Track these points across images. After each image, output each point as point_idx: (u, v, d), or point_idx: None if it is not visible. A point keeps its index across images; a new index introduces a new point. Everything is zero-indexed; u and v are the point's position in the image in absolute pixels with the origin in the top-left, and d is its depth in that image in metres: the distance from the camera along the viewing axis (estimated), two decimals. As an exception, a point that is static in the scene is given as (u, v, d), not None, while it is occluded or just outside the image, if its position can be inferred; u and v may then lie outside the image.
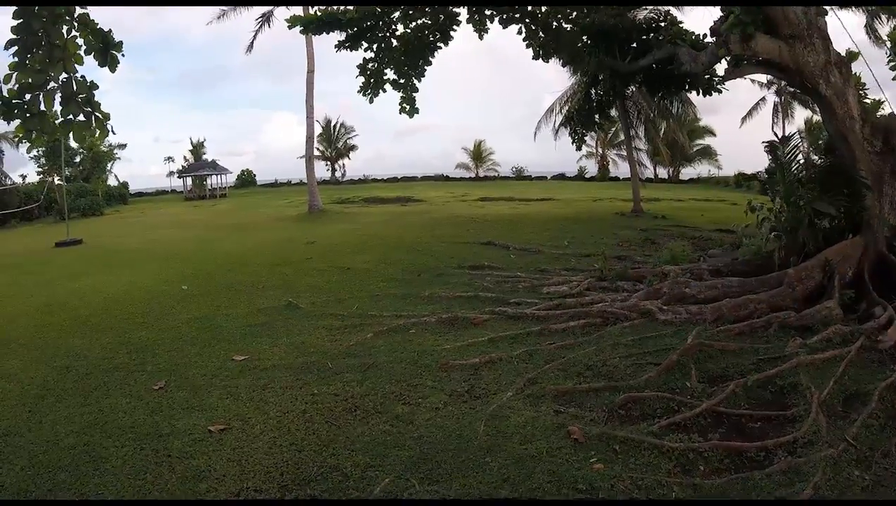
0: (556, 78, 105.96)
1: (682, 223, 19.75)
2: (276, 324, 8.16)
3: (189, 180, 51.07)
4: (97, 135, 5.44)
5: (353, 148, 60.52)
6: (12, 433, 5.06)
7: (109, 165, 48.39)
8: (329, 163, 58.70)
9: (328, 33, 14.67)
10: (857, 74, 8.36)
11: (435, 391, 5.53)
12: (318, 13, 13.74)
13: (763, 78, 21.52)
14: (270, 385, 5.89)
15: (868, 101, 8.50)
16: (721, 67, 11.59)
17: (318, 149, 51.28)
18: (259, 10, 29.68)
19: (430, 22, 13.51)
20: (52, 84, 5.14)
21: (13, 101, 5.09)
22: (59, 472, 4.36)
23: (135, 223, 27.91)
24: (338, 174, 59.15)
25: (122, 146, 49.59)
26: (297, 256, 14.28)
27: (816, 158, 9.22)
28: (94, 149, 44.97)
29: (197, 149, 56.77)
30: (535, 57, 15.21)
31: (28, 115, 5.17)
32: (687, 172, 53.46)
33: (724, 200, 29.68)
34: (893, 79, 11.75)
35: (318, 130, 30.14)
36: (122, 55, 5.36)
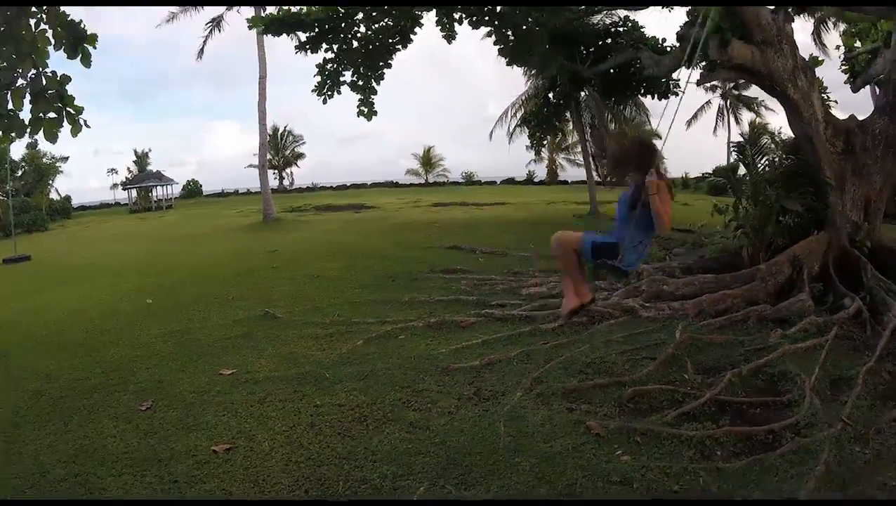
0: (499, 85, 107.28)
1: (639, 224, 20.18)
2: (256, 335, 7.99)
3: (134, 193, 50.06)
4: (70, 130, 5.17)
5: (300, 156, 60.35)
6: None
7: (52, 178, 47.23)
8: (277, 171, 58.27)
9: (290, 35, 14.62)
10: (820, 79, 8.81)
11: (442, 396, 5.54)
12: (280, 14, 13.66)
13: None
14: (268, 399, 5.73)
15: (829, 102, 8.96)
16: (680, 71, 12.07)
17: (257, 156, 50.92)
18: (209, 14, 29.41)
19: (392, 24, 13.57)
20: (20, 81, 4.96)
21: None
22: None
23: (82, 238, 27.29)
24: (286, 182, 58.76)
25: (65, 159, 48.51)
26: (261, 265, 14.09)
27: (777, 158, 9.61)
28: (36, 161, 43.82)
29: (141, 160, 55.73)
30: (509, 63, 15.48)
31: None
32: (634, 175, 54.66)
33: (675, 201, 30.43)
34: (845, 82, 12.33)
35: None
36: (94, 48, 5.14)
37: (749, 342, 6.53)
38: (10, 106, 4.97)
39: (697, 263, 9.94)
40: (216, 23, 29.70)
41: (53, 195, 46.46)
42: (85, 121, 5.20)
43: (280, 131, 57.26)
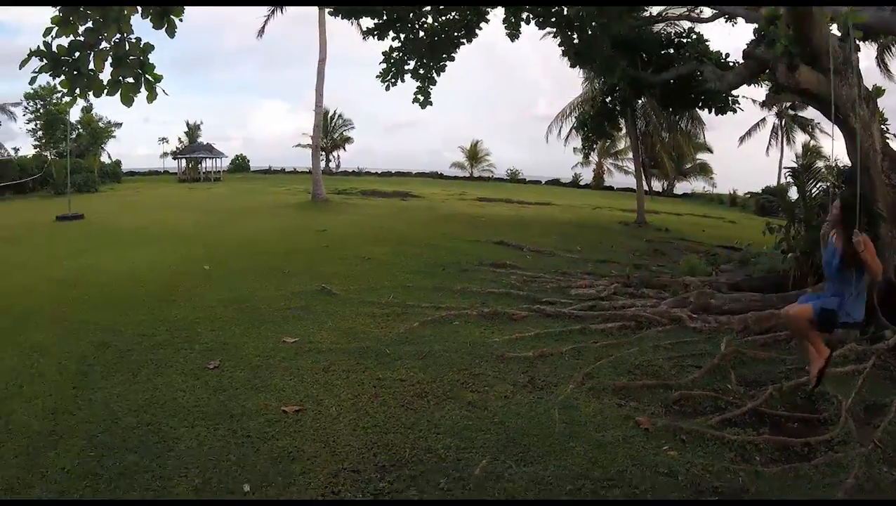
0: (551, 83, 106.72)
1: (685, 237, 20.46)
2: (315, 308, 8.33)
3: (183, 162, 51.07)
4: (146, 97, 5.20)
5: (348, 140, 60.94)
6: (61, 411, 4.92)
7: (105, 142, 48.44)
8: (324, 153, 59.01)
9: (358, 18, 14.88)
10: (881, 111, 8.96)
11: (498, 381, 5.85)
12: None
13: (762, 97, 22.23)
14: (332, 368, 6.01)
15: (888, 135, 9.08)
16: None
17: (311, 136, 51.59)
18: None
19: (458, 17, 13.86)
20: (104, 45, 5.03)
21: (62, 57, 4.96)
22: (127, 453, 4.24)
23: (133, 202, 27.86)
24: (332, 165, 59.40)
25: (119, 125, 49.71)
26: (312, 243, 14.51)
27: (830, 185, 9.77)
28: (92, 124, 44.92)
29: (193, 131, 56.86)
30: (572, 65, 15.70)
31: (76, 72, 5.05)
32: (681, 187, 54.39)
33: (722, 217, 30.47)
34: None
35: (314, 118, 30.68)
36: (181, 20, 5.19)
37: (790, 361, 6.78)
38: (92, 66, 5.06)
39: (745, 281, 10.18)
40: (279, 3, 30.25)
41: (104, 158, 47.53)
42: (163, 89, 5.28)
43: (330, 114, 57.84)
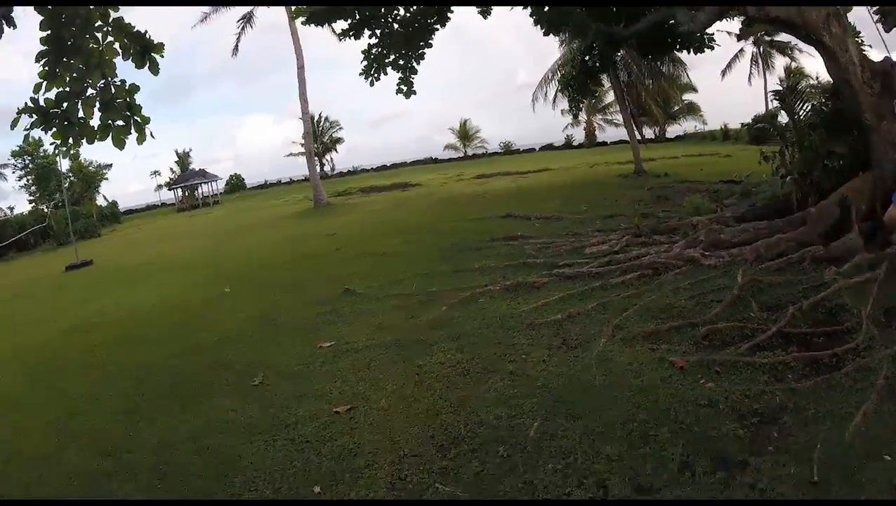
0: (527, 51, 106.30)
1: (685, 179, 20.52)
2: (342, 310, 8.49)
3: (179, 192, 51.39)
4: (136, 139, 5.36)
5: (338, 141, 61.14)
6: (117, 450, 5.04)
7: (98, 185, 48.78)
8: (317, 158, 59.26)
9: (332, 23, 15.15)
10: (853, 23, 9.15)
11: (533, 348, 6.06)
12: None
13: (737, 29, 22.27)
14: (372, 364, 6.20)
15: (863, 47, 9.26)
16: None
17: (302, 144, 51.83)
18: (235, 13, 30.11)
19: (429, 5, 14.01)
20: (90, 91, 5.16)
21: (51, 110, 5.06)
22: (193, 479, 4.37)
23: (137, 239, 28.20)
24: (326, 168, 59.63)
25: (108, 166, 49.99)
26: (324, 248, 14.70)
27: (817, 103, 9.95)
28: (83, 171, 45.22)
29: (183, 159, 57.17)
30: (546, 33, 15.89)
31: (66, 123, 5.14)
32: (672, 130, 54.47)
33: (717, 153, 30.55)
34: (876, 22, 12.42)
35: (302, 126, 30.97)
36: (162, 56, 5.31)
37: (806, 281, 7.02)
38: (81, 114, 5.19)
39: (749, 211, 10.39)
40: (247, 19, 30.43)
41: (100, 201, 48.06)
42: (151, 132, 5.43)
43: (316, 118, 58.00)
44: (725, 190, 15.77)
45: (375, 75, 14.96)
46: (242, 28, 31.14)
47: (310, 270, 11.90)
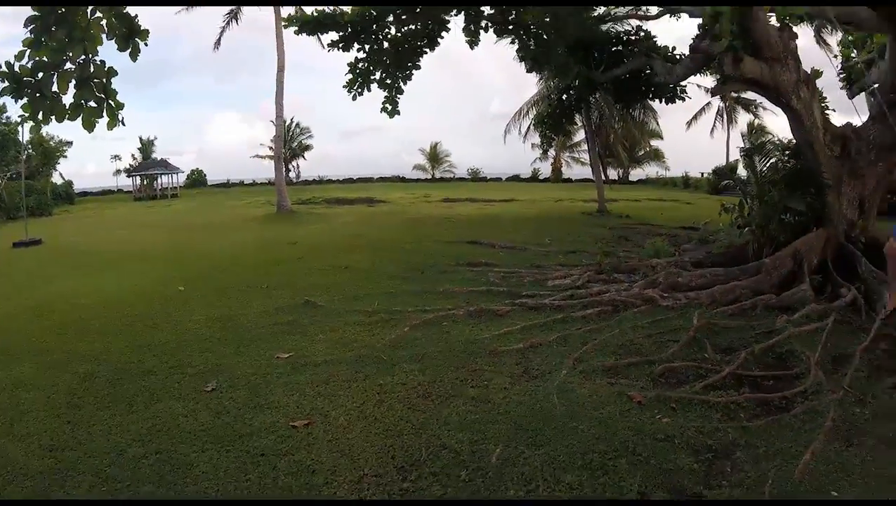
0: (505, 82, 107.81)
1: (646, 222, 21.09)
2: (302, 322, 8.34)
3: (137, 180, 50.33)
4: (106, 123, 5.19)
5: (307, 148, 60.90)
6: (60, 447, 4.77)
7: (56, 162, 47.48)
8: (284, 163, 58.88)
9: (323, 34, 15.24)
10: (820, 90, 9.65)
11: (495, 375, 6.11)
12: (315, 13, 14.30)
13: (709, 84, 23.13)
14: (332, 380, 6.07)
15: (827, 112, 9.79)
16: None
17: (270, 148, 51.54)
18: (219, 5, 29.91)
19: (420, 27, 14.23)
20: (68, 65, 4.96)
21: (24, 78, 4.87)
22: (141, 485, 4.18)
23: (91, 223, 27.32)
24: (292, 175, 59.21)
25: (69, 143, 48.66)
26: (285, 256, 14.47)
27: (779, 161, 10.41)
28: (44, 144, 43.99)
29: (146, 147, 56.03)
30: (529, 70, 16.28)
31: (38, 95, 4.95)
32: (635, 174, 55.77)
33: (677, 199, 31.38)
34: (842, 88, 13.06)
35: (274, 130, 31.02)
36: (146, 45, 5.19)
37: (758, 327, 7.40)
38: (55, 88, 4.99)
39: (707, 258, 10.77)
40: (234, 14, 30.30)
41: (56, 179, 46.65)
42: (123, 118, 5.24)
43: (287, 123, 57.76)
44: (684, 235, 16.24)
45: (359, 90, 15.02)
46: (228, 23, 30.92)
47: (270, 277, 11.69)
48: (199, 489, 4.12)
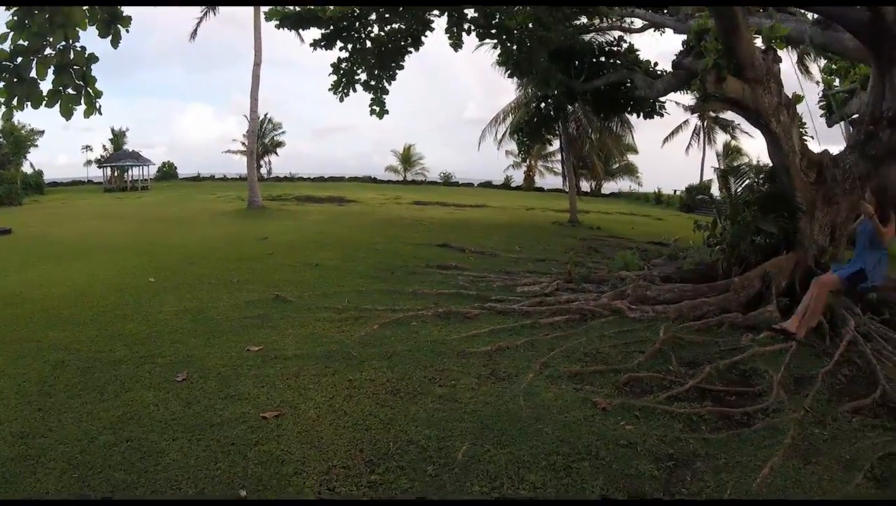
0: (480, 88, 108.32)
1: (616, 235, 21.32)
2: (273, 316, 8.32)
3: (108, 171, 49.69)
4: (83, 111, 5.12)
5: (279, 144, 60.55)
6: (31, 435, 4.71)
7: (27, 151, 46.71)
8: (256, 159, 58.44)
9: (304, 30, 15.14)
10: (800, 115, 9.83)
11: (463, 375, 6.18)
12: (298, 9, 14.22)
13: (688, 102, 23.51)
14: (302, 373, 6.10)
15: (806, 138, 9.98)
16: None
17: (243, 143, 51.11)
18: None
19: (404, 27, 14.23)
20: (48, 50, 4.88)
21: (3, 62, 4.80)
22: (112, 471, 4.16)
23: (62, 214, 26.93)
24: (263, 171, 58.76)
25: (41, 132, 47.89)
26: (255, 251, 14.39)
27: (755, 183, 10.59)
28: (15, 133, 43.28)
29: (118, 138, 55.21)
30: (511, 75, 16.35)
31: (16, 79, 4.87)
32: (608, 186, 56.29)
33: (648, 214, 31.73)
34: (821, 116, 13.37)
35: (246, 125, 30.86)
36: (127, 31, 5.13)
37: (723, 343, 7.50)
38: (34, 73, 4.91)
39: (676, 273, 10.86)
40: (212, 6, 30.03)
41: (26, 168, 45.83)
42: (100, 106, 5.18)
43: (261, 119, 57.34)
44: (654, 250, 16.41)
45: (345, 91, 14.98)
46: (205, 14, 30.64)
47: (241, 272, 11.62)
48: (170, 477, 4.12)
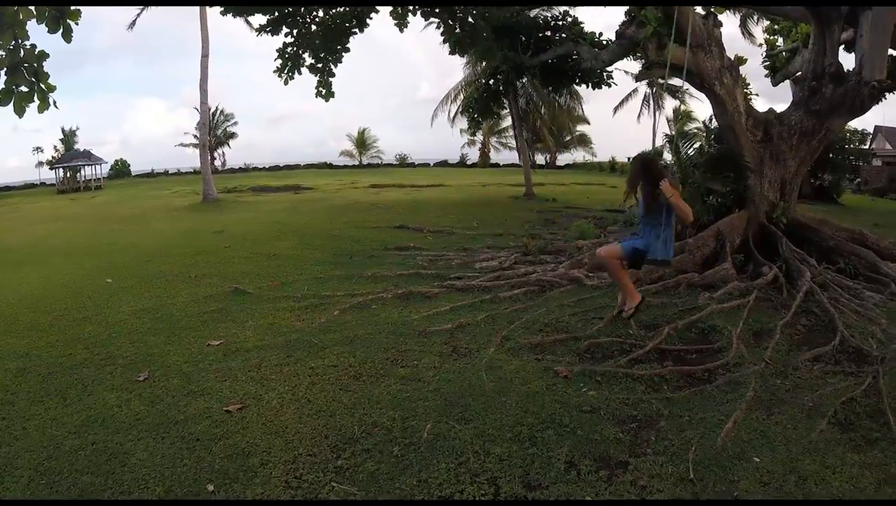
0: (431, 67, 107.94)
1: (572, 205, 21.52)
2: (231, 309, 8.25)
3: (60, 172, 48.54)
4: (37, 107, 5.05)
5: (232, 136, 59.65)
6: None
7: (-24, 157, 45.52)
8: (209, 151, 57.50)
9: (249, 16, 14.80)
10: (744, 76, 9.95)
11: (424, 354, 6.18)
12: None
13: (635, 70, 23.73)
14: (263, 364, 6.06)
15: (751, 97, 10.12)
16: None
17: (195, 136, 50.16)
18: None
19: (348, 9, 14.02)
20: None
21: None
22: (80, 476, 4.12)
23: (14, 217, 26.11)
24: (217, 163, 57.82)
25: (-10, 136, 46.59)
26: (212, 245, 14.17)
27: (703, 145, 10.73)
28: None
29: (69, 138, 53.92)
30: (452, 52, 16.27)
31: None
32: (563, 158, 56.64)
33: (603, 183, 32.02)
34: (766, 76, 13.55)
35: (196, 116, 30.35)
36: (77, 24, 5.07)
37: (681, 304, 7.62)
38: None
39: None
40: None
41: (-25, 174, 44.69)
42: (54, 101, 5.14)
43: (212, 110, 56.37)
44: (609, 217, 16.60)
45: (290, 74, 14.73)
46: (146, 3, 29.76)
47: (198, 267, 11.41)
48: (137, 477, 4.07)
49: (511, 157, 53.80)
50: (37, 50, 4.98)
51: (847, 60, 10.17)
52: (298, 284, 9.55)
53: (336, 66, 14.49)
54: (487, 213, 19.24)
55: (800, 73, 10.55)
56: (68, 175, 47.38)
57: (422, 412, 4.85)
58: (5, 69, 4.90)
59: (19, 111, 5.05)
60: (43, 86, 5.04)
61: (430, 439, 4.40)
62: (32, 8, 4.88)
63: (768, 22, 15.38)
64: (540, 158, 54.94)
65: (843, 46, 10.37)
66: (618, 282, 6.53)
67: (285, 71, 14.25)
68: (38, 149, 55.05)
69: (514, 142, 44.28)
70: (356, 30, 14.26)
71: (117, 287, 10.04)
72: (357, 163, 60.41)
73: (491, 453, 4.17)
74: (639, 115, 52.84)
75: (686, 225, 7.47)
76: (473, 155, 57.81)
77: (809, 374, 5.55)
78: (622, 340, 6.36)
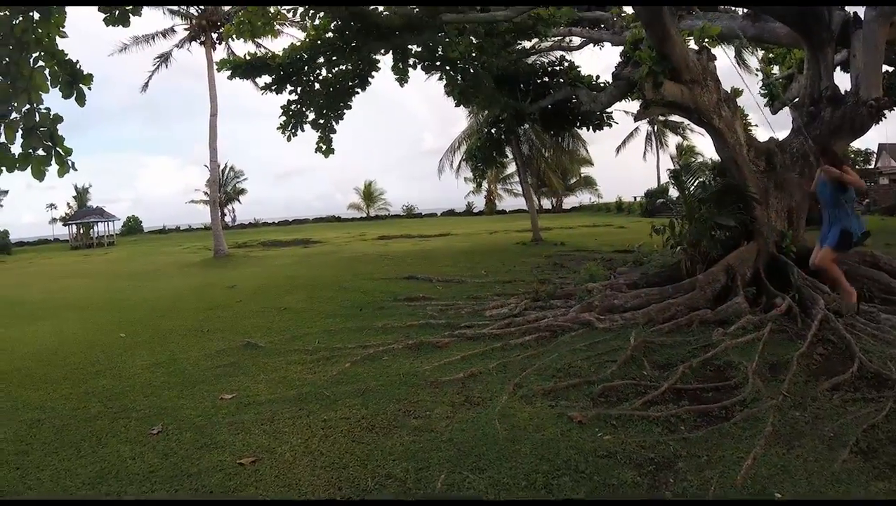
0: (434, 118, 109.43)
1: (580, 248, 21.46)
2: (244, 363, 8.28)
3: (74, 228, 49.24)
4: (57, 171, 5.08)
5: (242, 192, 60.48)
6: (9, 493, 4.76)
7: (-9, 212, 46.43)
8: (219, 207, 58.22)
9: (256, 78, 15.16)
10: (742, 107, 10.01)
11: (437, 404, 6.11)
12: (248, 58, 14.26)
13: (635, 109, 23.98)
14: (276, 417, 6.04)
15: (750, 128, 10.17)
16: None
17: (206, 193, 50.86)
18: (158, 49, 29.69)
19: (351, 68, 14.32)
20: (14, 115, 4.93)
21: None
22: None
23: (29, 273, 26.72)
24: (227, 219, 58.46)
25: (5, 192, 47.64)
26: (225, 300, 14.31)
27: (707, 179, 10.72)
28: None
29: (82, 195, 55.03)
30: (458, 104, 16.54)
31: None
32: (569, 201, 56.97)
33: (610, 224, 32.09)
34: (765, 105, 13.61)
35: (206, 173, 30.83)
36: (90, 88, 5.21)
37: (695, 341, 7.50)
38: (3, 139, 4.94)
39: (641, 278, 10.91)
40: (165, 58, 30.09)
41: (-8, 229, 45.37)
42: (73, 163, 5.20)
43: (221, 167, 57.22)
44: (619, 259, 16.52)
45: (293, 131, 15.04)
46: (158, 66, 30.51)
47: (210, 321, 11.53)
48: None
49: (517, 203, 54.28)
50: (52, 113, 5.06)
51: (844, 82, 10.26)
52: (310, 337, 9.54)
53: (338, 122, 14.76)
54: (496, 260, 19.23)
55: (797, 99, 10.60)
56: (81, 231, 48.30)
57: (435, 463, 4.77)
58: (21, 132, 4.96)
59: (38, 175, 5.12)
60: (59, 149, 5.09)
61: (443, 490, 4.33)
62: (46, 72, 4.99)
63: (763, 52, 15.54)
64: (546, 203, 55.22)
65: (839, 68, 10.45)
66: (836, 281, 7.67)
67: (289, 128, 14.56)
68: (52, 206, 56.60)
69: (519, 188, 44.71)
70: (359, 88, 14.54)
71: (131, 342, 10.15)
72: (365, 215, 61.02)
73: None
74: (644, 154, 53.30)
75: (862, 193, 8.44)
76: (479, 203, 58.36)
77: (829, 403, 5.45)
78: (636, 382, 6.27)
